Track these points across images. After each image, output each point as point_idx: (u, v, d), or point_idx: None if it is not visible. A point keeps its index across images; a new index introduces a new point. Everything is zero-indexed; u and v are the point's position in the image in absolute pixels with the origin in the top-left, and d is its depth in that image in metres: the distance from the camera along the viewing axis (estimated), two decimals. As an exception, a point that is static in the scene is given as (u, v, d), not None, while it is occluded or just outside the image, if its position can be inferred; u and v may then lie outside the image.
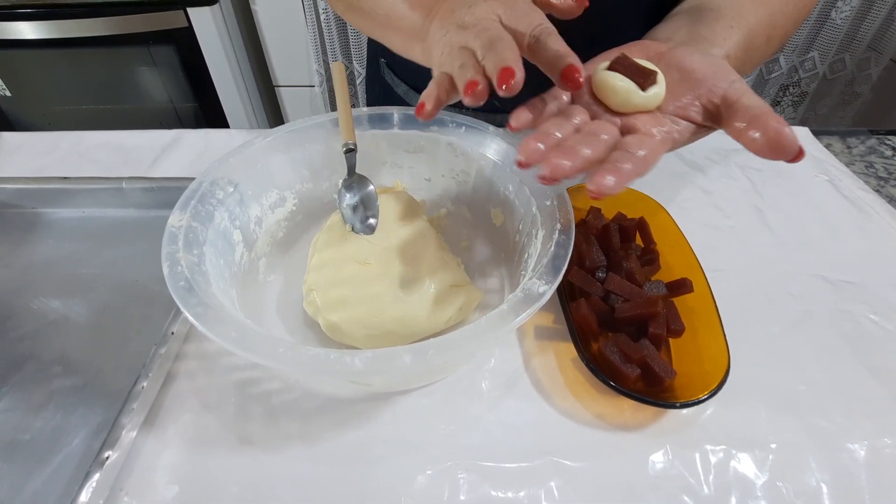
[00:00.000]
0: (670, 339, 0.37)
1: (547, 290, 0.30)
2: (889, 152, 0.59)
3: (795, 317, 0.41)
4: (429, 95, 0.29)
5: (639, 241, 0.43)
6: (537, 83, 0.34)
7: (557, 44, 0.28)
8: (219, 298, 0.31)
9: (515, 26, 0.29)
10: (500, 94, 0.26)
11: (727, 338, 0.35)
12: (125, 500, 0.30)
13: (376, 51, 0.63)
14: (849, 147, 0.60)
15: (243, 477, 0.32)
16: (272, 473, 0.32)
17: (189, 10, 1.16)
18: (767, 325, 0.40)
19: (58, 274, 0.45)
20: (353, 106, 0.43)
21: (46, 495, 0.31)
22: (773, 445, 0.33)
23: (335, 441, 0.33)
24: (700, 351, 0.35)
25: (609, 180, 0.25)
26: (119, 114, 1.38)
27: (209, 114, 1.37)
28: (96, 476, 0.29)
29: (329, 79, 1.34)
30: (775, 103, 1.35)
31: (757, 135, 0.26)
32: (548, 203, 0.36)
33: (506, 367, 0.37)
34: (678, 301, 0.38)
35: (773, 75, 1.29)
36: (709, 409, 0.35)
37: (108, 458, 0.30)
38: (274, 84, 1.38)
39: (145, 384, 0.34)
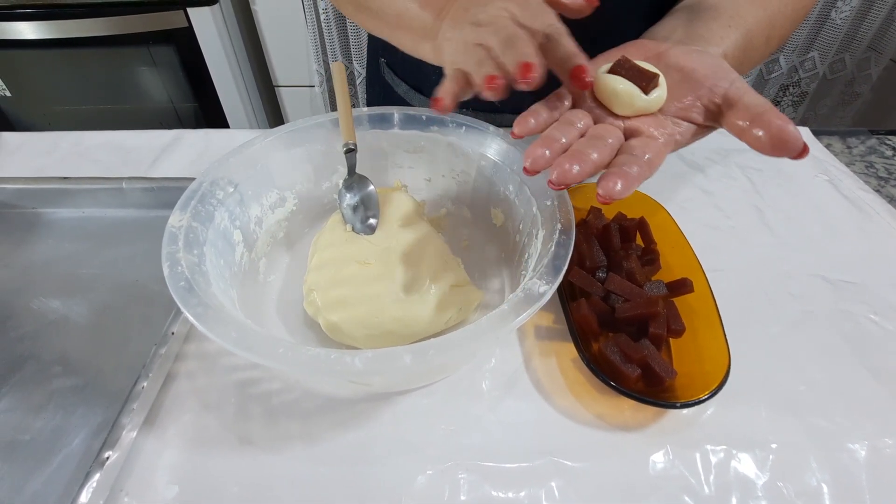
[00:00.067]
0: (671, 339, 0.37)
1: (547, 290, 0.30)
2: (889, 152, 0.59)
3: (796, 317, 0.41)
4: (445, 91, 0.30)
5: (639, 241, 0.43)
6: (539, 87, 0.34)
7: (568, 44, 0.29)
8: (219, 298, 0.31)
9: (529, 25, 0.29)
10: (520, 88, 0.27)
11: (727, 338, 0.35)
12: (125, 501, 0.30)
13: (376, 50, 0.63)
14: (849, 147, 0.60)
15: (243, 477, 0.32)
16: (272, 473, 0.32)
17: (189, 10, 1.16)
18: (768, 325, 0.40)
19: (58, 274, 0.45)
20: (354, 106, 0.43)
21: (46, 495, 0.31)
22: (774, 445, 0.33)
23: (335, 441, 0.33)
24: (700, 351, 0.35)
25: (618, 185, 0.25)
26: (119, 114, 1.38)
27: (209, 114, 1.37)
28: (96, 476, 0.29)
29: (329, 79, 1.34)
30: (775, 103, 1.35)
31: (760, 133, 0.26)
32: (548, 203, 0.36)
33: (506, 367, 0.37)
34: (678, 301, 0.38)
35: (773, 75, 1.29)
36: (709, 409, 0.35)
37: (108, 458, 0.30)
38: (274, 84, 1.38)
39: (145, 384, 0.34)
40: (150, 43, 1.21)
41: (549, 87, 0.34)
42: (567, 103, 0.31)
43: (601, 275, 0.39)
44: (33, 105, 1.36)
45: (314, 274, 0.38)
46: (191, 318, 0.28)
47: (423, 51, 0.36)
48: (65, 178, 0.50)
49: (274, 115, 1.52)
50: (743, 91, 0.28)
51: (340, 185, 0.41)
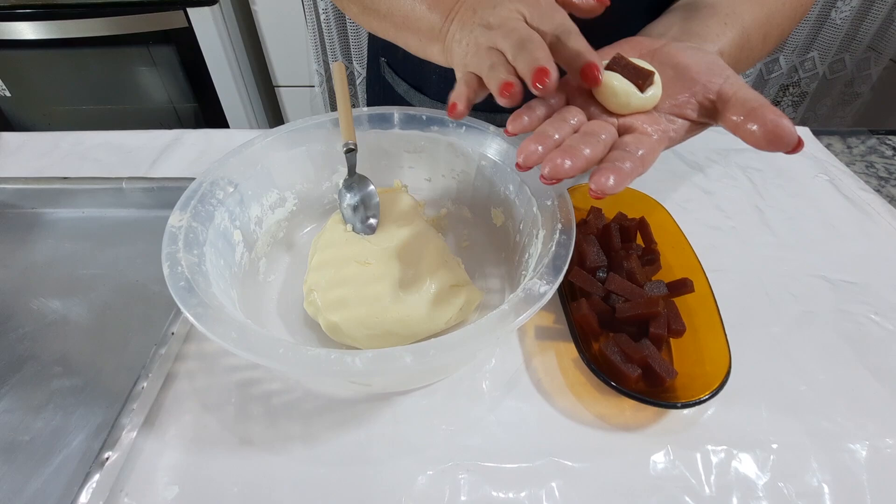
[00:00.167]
0: (671, 340, 0.37)
1: (548, 290, 0.29)
2: (889, 152, 0.59)
3: (796, 317, 0.41)
4: (459, 95, 0.30)
5: (639, 241, 0.43)
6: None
7: (578, 42, 0.29)
8: (219, 299, 0.31)
9: (539, 25, 0.29)
10: (536, 93, 0.27)
11: (728, 338, 0.35)
12: (125, 501, 0.30)
13: (377, 50, 0.63)
14: (849, 147, 0.60)
15: (243, 477, 0.32)
16: (272, 474, 0.32)
17: (189, 10, 1.16)
18: (768, 325, 0.40)
19: (58, 274, 0.45)
20: (354, 106, 0.43)
21: (46, 496, 0.31)
22: (775, 446, 0.33)
23: (336, 442, 0.33)
24: (701, 351, 0.35)
25: (610, 180, 0.25)
26: (119, 114, 1.38)
27: (209, 114, 1.37)
28: (96, 477, 0.29)
29: (329, 79, 1.34)
30: (775, 103, 1.35)
31: (755, 127, 0.26)
32: (549, 203, 0.36)
33: (506, 367, 0.37)
34: (679, 301, 0.38)
35: (772, 75, 1.29)
36: (710, 409, 0.35)
37: (108, 458, 0.30)
38: (274, 84, 1.38)
39: (145, 385, 0.34)
40: (150, 43, 1.21)
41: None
42: (561, 100, 0.31)
43: (601, 275, 0.39)
44: (33, 105, 1.36)
45: (314, 274, 0.38)
46: (191, 319, 0.28)
47: (431, 52, 0.36)
48: (65, 178, 0.50)
49: (274, 115, 1.52)
50: (737, 87, 0.28)
51: (340, 185, 0.41)
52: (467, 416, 0.35)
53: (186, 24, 1.18)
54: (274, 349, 0.27)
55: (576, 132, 0.29)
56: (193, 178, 0.37)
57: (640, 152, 0.27)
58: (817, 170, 0.55)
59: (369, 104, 0.70)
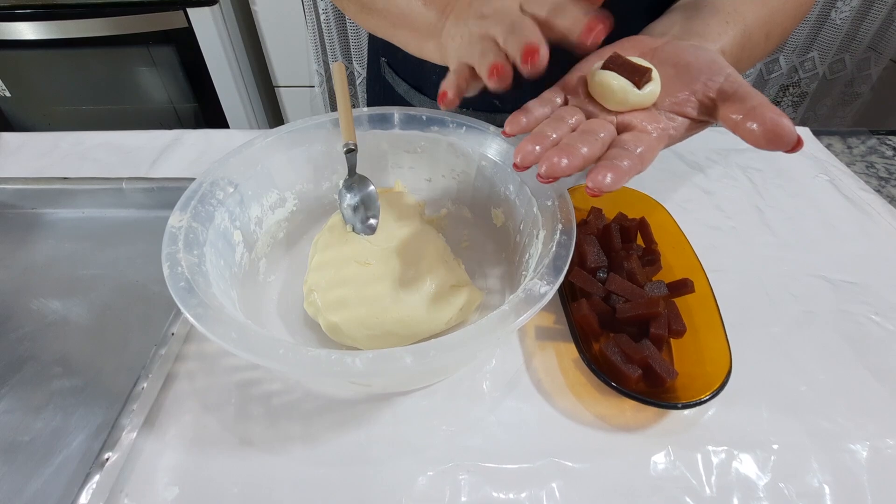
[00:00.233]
0: (672, 340, 0.37)
1: (548, 290, 0.29)
2: (890, 152, 0.59)
3: (797, 317, 0.41)
4: (450, 84, 0.29)
5: (640, 241, 0.43)
6: (538, 83, 0.34)
7: (574, 11, 0.27)
8: (219, 299, 0.31)
9: (534, 10, 0.29)
10: (525, 72, 0.26)
11: (728, 338, 0.35)
12: (125, 502, 0.30)
13: (377, 50, 0.63)
14: (849, 147, 0.60)
15: (244, 478, 0.31)
16: (273, 475, 0.32)
17: (189, 10, 1.16)
18: (769, 325, 0.40)
19: (58, 274, 0.45)
20: (354, 106, 0.43)
21: (46, 497, 0.31)
22: (775, 446, 0.33)
23: (336, 442, 0.33)
24: (701, 351, 0.35)
25: (607, 178, 0.25)
26: (119, 114, 1.38)
27: (209, 114, 1.37)
28: (96, 478, 0.29)
29: (329, 79, 1.34)
30: (775, 103, 1.34)
31: (754, 126, 0.26)
32: (549, 203, 0.36)
33: (507, 367, 0.37)
34: (679, 301, 0.38)
35: (772, 75, 1.29)
36: (710, 409, 0.35)
37: (108, 459, 0.30)
38: (274, 84, 1.38)
39: (145, 385, 0.34)
40: (150, 43, 1.21)
41: (551, 83, 0.34)
42: (559, 101, 0.31)
43: (602, 275, 0.39)
44: (33, 105, 1.36)
45: (314, 274, 0.38)
46: (191, 319, 0.28)
47: (427, 50, 0.36)
48: (65, 178, 0.50)
49: (274, 116, 1.52)
50: (737, 85, 0.28)
51: (341, 186, 0.41)
52: (467, 416, 0.35)
53: (186, 25, 1.18)
54: (274, 350, 0.27)
55: (574, 131, 0.29)
56: (193, 179, 0.37)
57: (638, 150, 0.27)
58: (817, 170, 0.55)
59: (369, 104, 0.70)
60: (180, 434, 0.33)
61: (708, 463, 0.32)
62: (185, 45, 1.22)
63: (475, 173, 0.44)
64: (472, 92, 0.30)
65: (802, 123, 1.37)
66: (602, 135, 0.28)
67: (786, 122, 0.25)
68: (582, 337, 0.36)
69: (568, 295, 0.38)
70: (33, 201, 0.51)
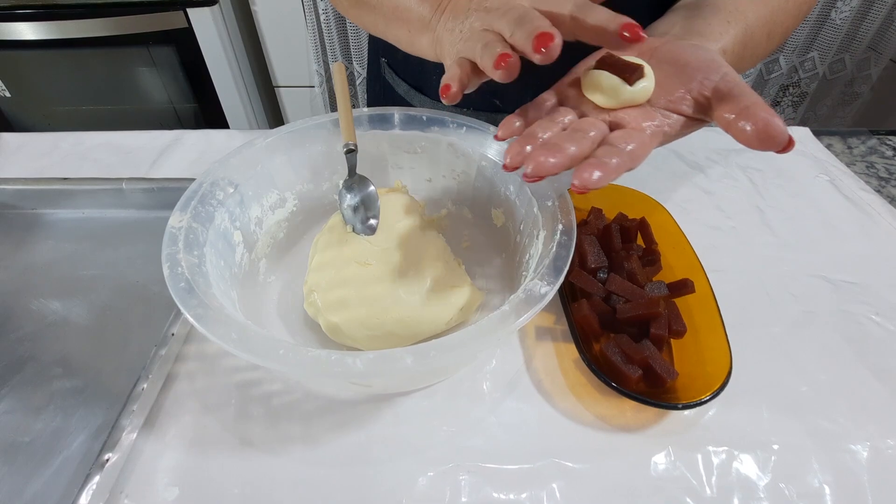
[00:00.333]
0: (672, 340, 0.37)
1: (549, 290, 0.29)
2: (890, 152, 0.59)
3: (797, 317, 0.41)
4: (452, 77, 0.28)
5: (640, 241, 0.43)
6: (538, 83, 0.34)
7: (601, 12, 0.27)
8: (219, 300, 0.31)
9: (549, 8, 0.28)
10: (538, 60, 0.25)
11: (729, 338, 0.35)
12: (125, 503, 0.30)
13: (377, 50, 0.63)
14: (849, 147, 0.60)
15: (244, 479, 0.31)
16: (273, 475, 0.32)
17: (189, 10, 1.16)
18: (769, 325, 0.40)
19: (58, 275, 0.45)
20: (354, 106, 0.43)
21: (46, 498, 0.31)
22: (776, 447, 0.33)
23: (336, 443, 0.33)
24: (702, 352, 0.35)
25: (594, 175, 0.25)
26: (119, 114, 1.38)
27: (209, 114, 1.37)
28: (96, 478, 0.29)
29: (329, 79, 1.34)
30: (775, 103, 1.35)
31: (747, 126, 0.26)
32: (549, 203, 0.36)
33: (507, 368, 0.37)
34: (680, 302, 0.38)
35: (772, 75, 1.29)
36: (711, 410, 0.35)
37: (108, 460, 0.30)
38: (274, 84, 1.38)
39: (145, 386, 0.33)
40: (150, 43, 1.21)
41: (551, 82, 0.34)
42: (553, 103, 0.31)
43: (602, 275, 0.39)
44: (33, 105, 1.36)
45: (314, 275, 0.38)
46: (191, 320, 0.28)
47: (420, 45, 0.35)
48: (65, 178, 0.50)
49: (274, 116, 1.52)
50: (732, 84, 0.28)
51: (341, 186, 0.41)
52: (468, 417, 0.35)
53: (186, 25, 1.18)
54: (274, 350, 0.27)
55: (565, 130, 0.29)
56: (193, 179, 0.37)
57: (628, 148, 0.27)
58: (818, 170, 0.55)
59: (369, 104, 0.70)
60: (180, 435, 0.33)
61: (708, 463, 0.32)
62: (185, 45, 1.22)
63: (475, 173, 0.44)
64: (471, 87, 0.30)
65: (802, 123, 1.37)
66: (592, 133, 0.28)
67: (777, 122, 0.25)
68: (582, 337, 0.36)
69: (568, 295, 0.38)
70: (33, 202, 0.51)
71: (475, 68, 0.29)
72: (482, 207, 0.46)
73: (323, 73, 1.32)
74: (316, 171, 0.45)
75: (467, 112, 0.55)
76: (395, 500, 0.31)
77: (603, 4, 0.28)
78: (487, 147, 0.42)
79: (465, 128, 0.43)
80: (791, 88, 1.31)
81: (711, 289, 0.38)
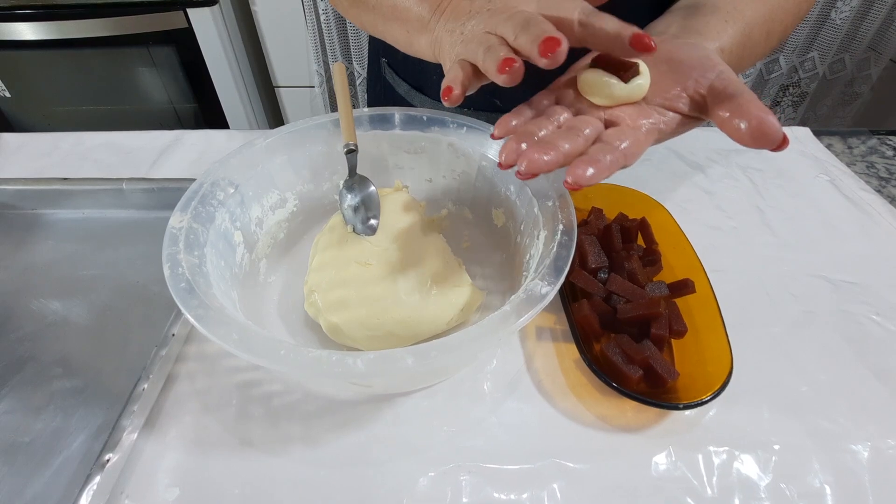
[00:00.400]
0: (673, 340, 0.37)
1: (549, 291, 0.29)
2: (890, 152, 0.59)
3: (797, 317, 0.41)
4: (454, 79, 0.28)
5: (640, 241, 0.43)
6: (538, 83, 0.34)
7: (610, 20, 0.27)
8: (220, 300, 0.31)
9: (555, 13, 0.28)
10: (544, 64, 0.25)
11: (729, 338, 0.35)
12: (126, 503, 0.30)
13: (378, 50, 0.63)
14: (850, 147, 0.60)
15: (244, 479, 0.31)
16: (273, 476, 0.32)
17: (189, 10, 1.16)
18: (770, 325, 0.40)
19: (58, 275, 0.45)
20: (354, 106, 0.43)
21: (46, 498, 0.31)
22: (777, 447, 0.33)
23: (337, 443, 0.33)
24: (702, 352, 0.35)
25: (588, 171, 0.25)
26: (119, 114, 1.38)
27: (209, 114, 1.37)
28: (97, 479, 0.29)
29: (329, 79, 1.34)
30: (775, 103, 1.35)
31: (741, 123, 0.26)
32: (550, 203, 0.36)
33: (508, 368, 0.37)
34: (680, 302, 0.38)
35: (772, 75, 1.29)
36: (712, 410, 0.35)
37: (108, 460, 0.30)
38: (274, 85, 1.38)
39: (146, 386, 0.33)
40: (150, 43, 1.21)
41: (551, 82, 0.34)
42: (550, 102, 0.31)
43: (603, 276, 0.39)
44: (33, 105, 1.36)
45: (315, 275, 0.38)
46: (192, 320, 0.28)
47: (419, 45, 0.35)
48: (65, 178, 0.50)
49: (274, 116, 1.52)
50: (727, 82, 0.28)
51: (341, 186, 0.41)
52: (468, 417, 0.35)
53: (186, 25, 1.18)
54: (275, 351, 0.27)
55: (560, 128, 0.29)
56: (194, 179, 0.37)
57: (622, 145, 0.27)
58: (818, 170, 0.55)
59: (370, 105, 0.70)
60: (181, 435, 0.33)
61: (709, 463, 0.32)
62: (185, 45, 1.22)
63: (476, 173, 0.44)
64: (472, 90, 0.30)
65: (802, 123, 1.37)
66: (587, 131, 0.28)
67: (771, 119, 0.25)
68: (583, 337, 0.36)
69: (569, 295, 0.38)
70: (33, 202, 0.51)
71: (476, 71, 0.28)
72: (482, 207, 0.46)
73: (323, 74, 1.32)
74: (316, 171, 0.45)
75: (468, 112, 0.55)
76: (395, 500, 0.31)
77: (605, 6, 0.28)
78: (488, 147, 0.42)
79: (465, 128, 0.43)
80: (791, 88, 1.31)
81: (712, 289, 0.38)
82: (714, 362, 0.34)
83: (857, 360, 0.38)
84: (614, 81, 0.29)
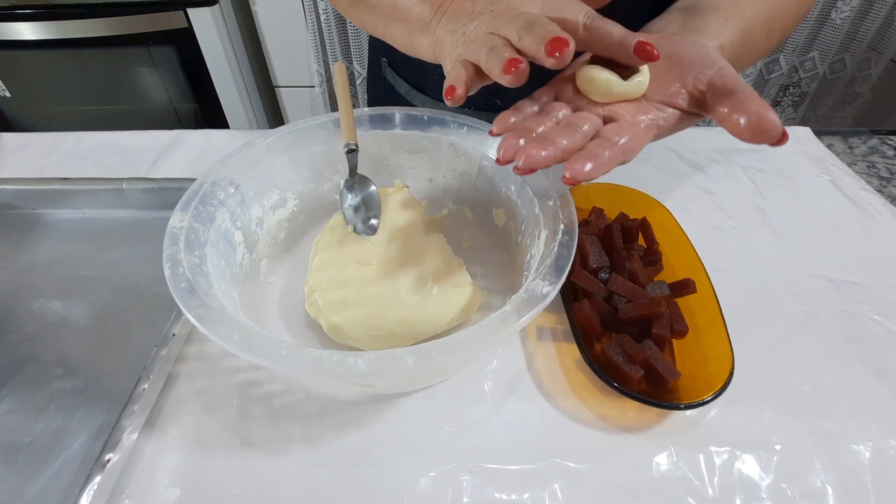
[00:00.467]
0: (674, 340, 0.37)
1: (550, 290, 0.29)
2: (891, 152, 0.59)
3: (799, 317, 0.41)
4: (457, 78, 0.28)
5: (641, 241, 0.43)
6: (539, 82, 0.34)
7: (615, 27, 0.28)
8: (220, 300, 0.31)
9: (560, 16, 0.28)
10: (550, 65, 0.25)
11: (731, 338, 0.35)
12: (126, 503, 0.30)
13: (378, 50, 0.63)
14: (850, 147, 0.60)
15: (245, 479, 0.31)
16: (274, 476, 0.32)
17: (189, 10, 1.16)
18: (771, 325, 0.40)
19: (58, 275, 0.45)
20: (354, 106, 0.43)
21: (47, 498, 0.31)
22: (778, 447, 0.33)
23: (337, 443, 0.33)
24: (704, 352, 0.35)
25: (586, 167, 0.25)
26: (119, 114, 1.38)
27: (209, 114, 1.37)
28: (97, 479, 0.29)
29: (329, 79, 1.34)
30: (775, 103, 1.35)
31: (741, 119, 0.26)
32: (551, 203, 0.36)
33: (509, 368, 0.37)
34: (681, 302, 0.38)
35: (773, 75, 1.29)
36: (713, 410, 0.35)
37: (109, 460, 0.30)
38: (274, 84, 1.38)
39: (146, 386, 0.33)
40: (150, 43, 1.21)
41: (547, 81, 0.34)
42: (549, 99, 0.31)
43: (603, 275, 0.39)
44: (33, 105, 1.36)
45: (315, 275, 0.38)
46: (192, 320, 0.28)
47: (419, 46, 0.35)
48: (65, 178, 0.50)
49: (274, 116, 1.52)
50: (727, 78, 0.28)
51: (342, 186, 0.41)
52: (469, 417, 0.35)
53: (186, 25, 1.18)
54: (276, 351, 0.27)
55: (559, 124, 0.29)
56: (194, 179, 0.37)
57: (621, 141, 0.27)
58: (819, 170, 0.55)
59: (370, 104, 0.70)
60: (181, 435, 0.33)
61: (710, 463, 0.32)
62: (185, 45, 1.22)
63: (476, 173, 0.44)
64: (473, 90, 0.30)
65: (803, 123, 1.37)
66: (585, 127, 0.28)
67: (771, 115, 0.25)
68: (584, 337, 0.36)
69: (570, 295, 0.38)
70: (33, 202, 0.51)
71: (478, 71, 0.28)
72: (483, 207, 0.46)
73: (323, 73, 1.32)
74: (317, 170, 0.45)
75: (468, 112, 0.55)
76: (396, 500, 0.31)
77: (606, 6, 0.28)
78: (488, 147, 0.42)
79: (466, 127, 0.43)
80: (791, 88, 1.31)
81: (713, 289, 0.38)
82: (715, 362, 0.34)
83: (858, 360, 0.38)
84: (614, 79, 0.29)
